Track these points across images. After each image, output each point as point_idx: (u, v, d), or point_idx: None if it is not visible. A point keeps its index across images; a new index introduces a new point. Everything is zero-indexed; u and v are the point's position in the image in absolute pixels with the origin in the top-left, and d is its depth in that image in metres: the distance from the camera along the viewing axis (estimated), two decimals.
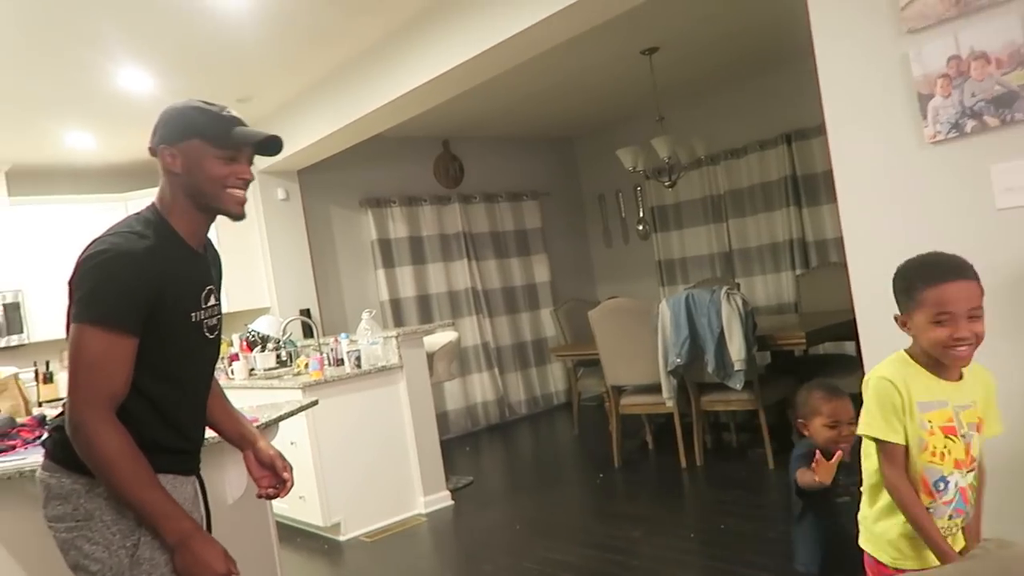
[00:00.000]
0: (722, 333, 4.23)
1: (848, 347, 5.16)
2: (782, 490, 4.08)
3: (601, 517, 4.10)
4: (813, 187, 6.11)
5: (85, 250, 1.51)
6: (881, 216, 2.35)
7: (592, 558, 3.43)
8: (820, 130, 5.55)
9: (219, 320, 1.74)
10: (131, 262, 1.48)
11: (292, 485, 1.85)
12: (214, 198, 1.59)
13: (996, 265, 2.13)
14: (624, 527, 3.75)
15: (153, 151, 1.60)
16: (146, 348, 1.52)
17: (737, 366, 4.19)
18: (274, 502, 3.43)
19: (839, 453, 1.94)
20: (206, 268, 1.71)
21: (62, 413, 1.55)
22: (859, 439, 1.82)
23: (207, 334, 1.68)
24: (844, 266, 2.50)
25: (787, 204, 6.23)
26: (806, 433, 2.09)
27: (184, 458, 1.69)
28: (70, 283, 1.51)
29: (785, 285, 6.33)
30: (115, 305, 1.47)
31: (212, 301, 1.70)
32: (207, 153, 1.56)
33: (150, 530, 1.52)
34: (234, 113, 1.61)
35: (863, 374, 2.48)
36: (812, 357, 5.13)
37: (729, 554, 3.24)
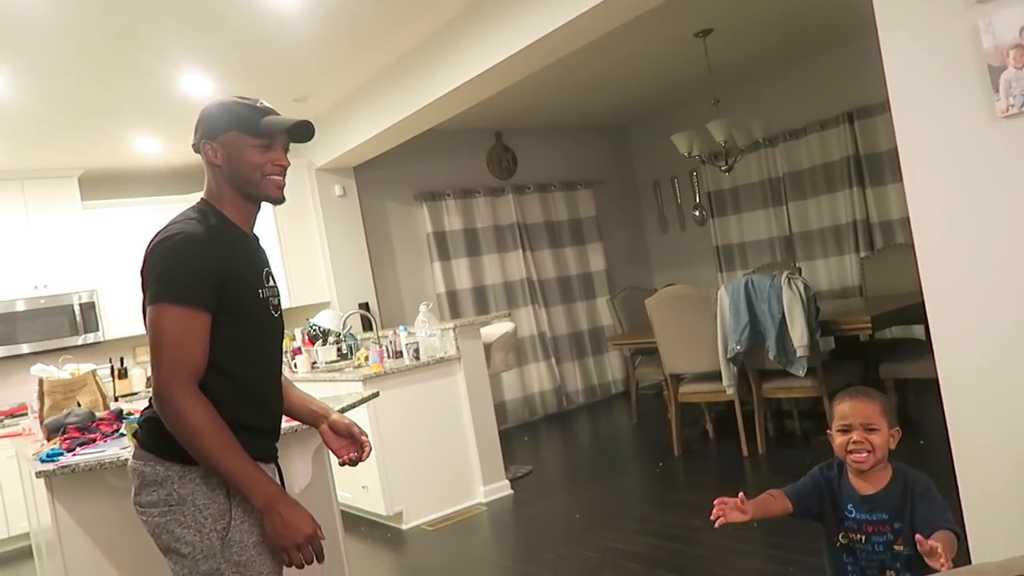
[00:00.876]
0: (783, 319, 4.14)
1: (917, 331, 5.00)
2: None
3: (661, 506, 4.07)
4: (877, 166, 5.93)
5: (153, 239, 1.60)
6: (950, 194, 2.26)
7: (654, 547, 3.42)
8: (884, 107, 5.40)
9: (279, 301, 1.82)
10: (199, 243, 1.58)
11: (370, 448, 1.92)
12: (255, 185, 1.67)
13: None
14: (685, 516, 3.72)
15: (196, 148, 1.71)
16: (223, 325, 1.59)
17: (799, 352, 4.10)
18: (339, 491, 3.51)
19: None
20: (262, 251, 1.80)
21: (150, 406, 1.63)
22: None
23: (272, 312, 1.75)
24: (911, 247, 2.42)
25: (850, 185, 6.06)
26: (831, 443, 1.84)
27: (267, 440, 1.75)
28: (142, 271, 1.60)
29: (849, 268, 6.16)
30: (190, 283, 1.55)
31: (271, 282, 1.78)
32: (244, 143, 1.65)
33: (239, 501, 1.60)
34: (267, 104, 1.71)
35: (932, 358, 2.41)
36: (879, 342, 4.99)
37: (792, 543, 3.18)
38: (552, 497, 4.49)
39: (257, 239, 1.80)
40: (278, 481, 1.79)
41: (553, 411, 6.94)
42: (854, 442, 1.73)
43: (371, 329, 5.41)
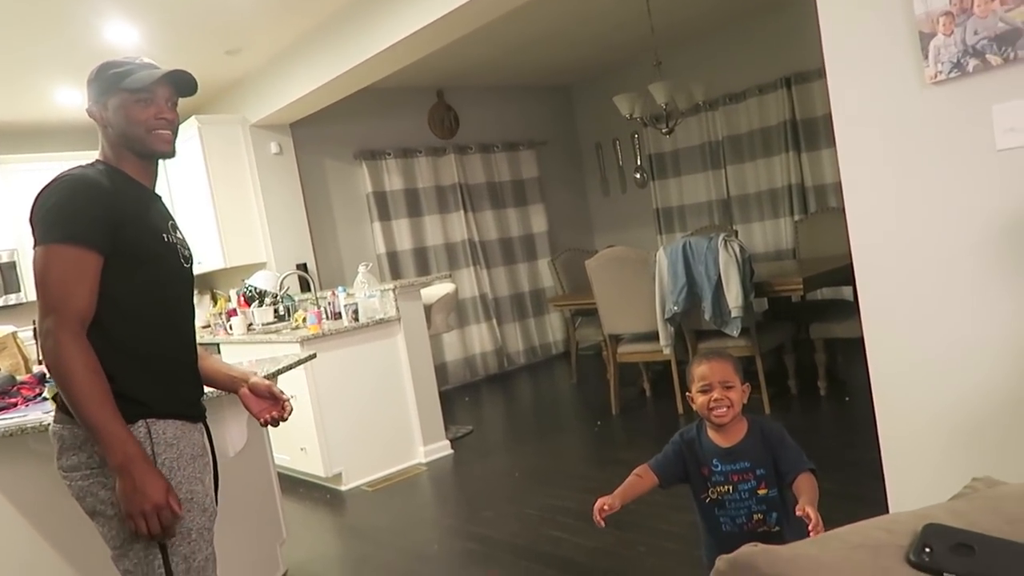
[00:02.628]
0: (719, 280, 4.22)
1: (846, 292, 5.17)
2: None
3: (600, 464, 4.15)
4: (813, 131, 6.05)
5: (41, 190, 1.57)
6: (880, 159, 2.32)
7: (591, 503, 3.46)
8: (821, 73, 5.47)
9: (191, 254, 1.79)
10: (90, 184, 1.57)
11: (291, 407, 1.92)
12: (142, 141, 1.65)
13: (995, 207, 2.12)
14: (623, 473, 3.76)
15: (90, 113, 1.70)
16: (127, 269, 1.57)
17: (734, 313, 4.20)
18: (276, 454, 3.48)
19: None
20: (166, 208, 1.77)
21: None
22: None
23: (183, 262, 1.73)
24: (843, 211, 2.48)
25: (786, 149, 6.17)
26: (692, 405, 1.95)
27: (189, 392, 1.73)
28: (30, 218, 1.56)
29: (783, 231, 6.31)
30: (79, 222, 1.52)
31: (180, 235, 1.76)
32: (126, 100, 1.64)
33: (163, 462, 1.58)
34: (147, 60, 1.71)
35: (859, 319, 2.49)
36: (809, 303, 5.14)
37: None
38: (492, 456, 4.54)
39: (160, 198, 1.77)
40: (206, 441, 1.77)
41: (494, 372, 6.98)
42: (715, 400, 1.84)
43: (309, 290, 5.31)
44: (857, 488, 3.08)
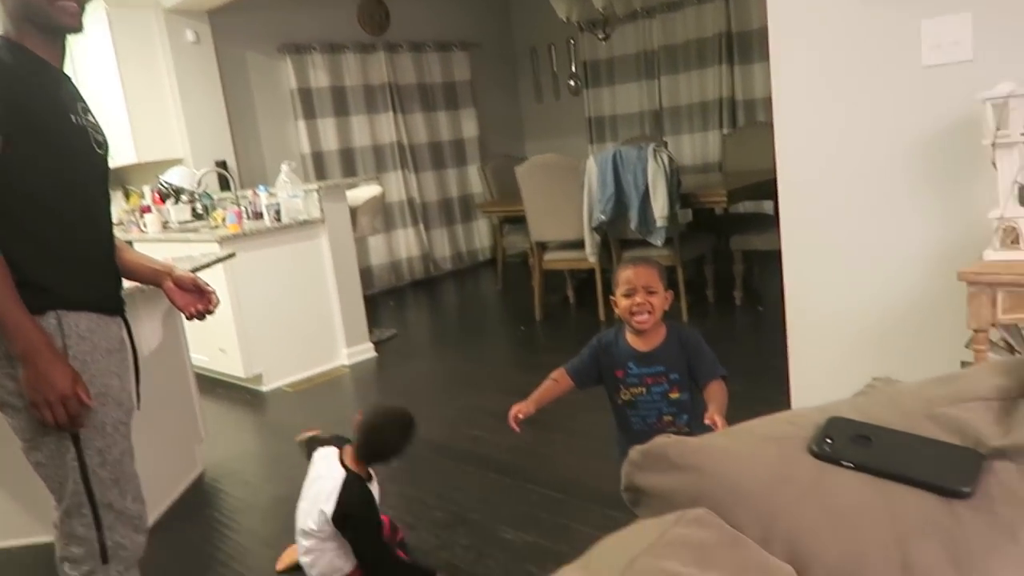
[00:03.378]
0: (647, 190, 4.25)
1: (767, 206, 5.30)
2: None
3: (522, 367, 4.23)
4: (747, 45, 6.03)
5: None
6: (812, 72, 2.33)
7: (511, 404, 3.56)
8: None
9: (104, 139, 1.68)
10: None
11: (218, 300, 1.89)
12: (44, 12, 1.52)
13: (918, 123, 2.17)
14: (543, 375, 3.86)
15: None
16: (34, 151, 1.47)
17: (659, 223, 4.26)
18: (194, 354, 3.40)
19: None
20: (76, 89, 1.65)
21: None
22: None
23: (96, 147, 1.62)
24: (770, 126, 2.50)
25: (720, 62, 6.15)
26: (615, 308, 1.94)
27: (106, 283, 1.67)
28: None
29: (712, 144, 6.37)
30: None
31: (92, 118, 1.64)
32: None
33: (74, 355, 1.53)
34: None
35: (778, 232, 2.56)
36: (731, 216, 5.25)
37: None
38: (416, 359, 4.57)
39: (68, 78, 1.63)
40: (126, 336, 1.71)
41: (420, 277, 6.95)
42: (637, 304, 1.85)
43: (229, 189, 5.10)
44: (764, 391, 3.23)
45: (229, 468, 3.25)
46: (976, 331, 1.87)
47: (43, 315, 1.50)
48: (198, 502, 2.99)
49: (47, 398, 1.45)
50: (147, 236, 4.64)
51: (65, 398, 1.46)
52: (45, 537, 2.66)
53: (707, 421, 1.75)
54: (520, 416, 1.93)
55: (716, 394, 1.84)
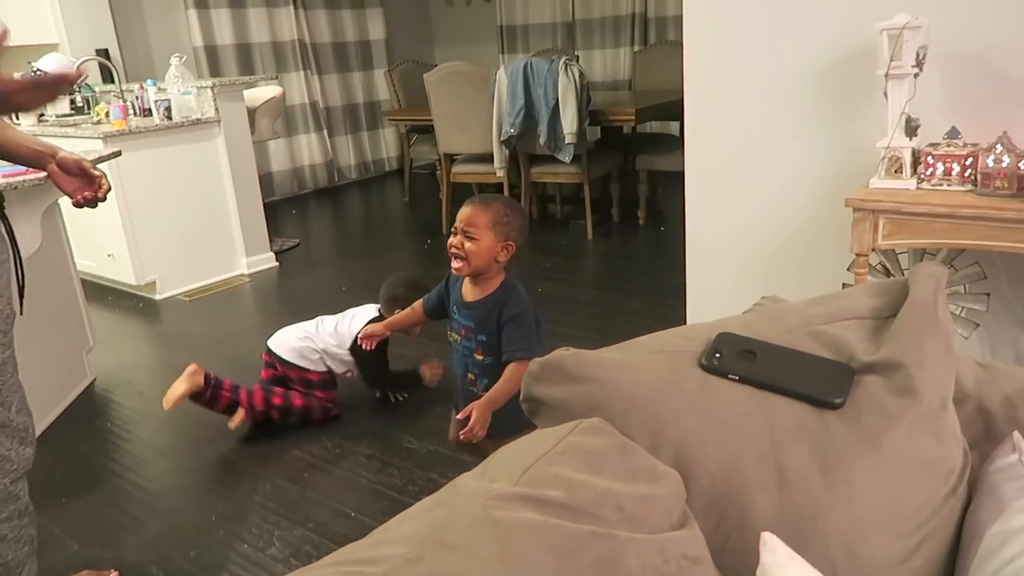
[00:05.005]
0: (557, 105, 4.22)
1: (673, 127, 5.37)
2: (597, 258, 4.38)
3: (427, 280, 4.20)
4: None
5: None
6: None
7: None
8: None
9: None
10: None
11: (109, 186, 1.70)
12: None
13: (818, 49, 2.22)
14: None
15: None
16: None
17: (568, 139, 4.25)
18: (80, 259, 3.22)
19: None
20: None
21: None
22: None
23: None
24: (680, 45, 2.50)
25: None
26: None
27: None
28: None
29: (623, 61, 6.35)
30: None
31: None
32: None
33: None
34: None
35: (683, 153, 2.61)
36: (639, 135, 5.30)
37: (543, 314, 3.44)
38: (319, 269, 4.48)
39: None
40: (5, 235, 1.58)
41: (324, 185, 6.74)
42: (453, 247, 1.70)
43: (112, 81, 4.74)
44: (662, 308, 3.37)
45: (122, 378, 3.15)
46: (858, 255, 1.99)
47: None
48: (89, 412, 2.89)
49: None
50: (19, 128, 4.27)
51: None
52: None
53: (459, 415, 1.66)
54: (375, 335, 1.99)
55: (502, 380, 1.68)
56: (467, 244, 1.68)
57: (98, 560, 2.00)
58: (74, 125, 4.17)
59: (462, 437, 1.65)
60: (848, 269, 2.20)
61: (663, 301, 3.44)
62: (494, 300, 1.74)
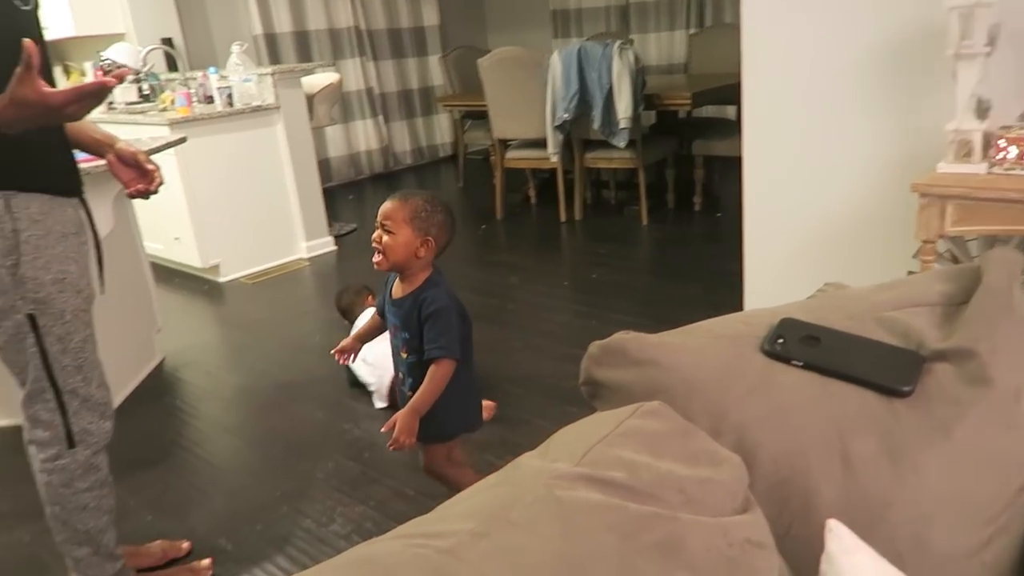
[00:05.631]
0: (611, 89, 4.19)
1: (729, 111, 5.27)
2: (652, 245, 4.35)
3: (481, 265, 4.26)
4: None
5: None
6: None
7: (470, 301, 3.56)
8: None
9: None
10: None
11: (161, 179, 1.74)
12: None
13: (884, 28, 2.16)
14: (502, 274, 3.93)
15: None
16: None
17: (622, 124, 4.22)
18: (149, 242, 3.34)
19: None
20: None
21: None
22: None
23: (19, 3, 1.46)
24: (737, 27, 2.46)
25: None
26: None
27: (51, 164, 1.56)
28: None
29: (678, 44, 6.25)
30: None
31: None
32: None
33: (29, 237, 1.46)
34: None
35: (740, 137, 2.57)
36: (694, 119, 5.23)
37: (598, 300, 3.48)
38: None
39: None
40: (83, 217, 1.65)
41: (380, 171, 6.82)
42: (373, 240, 1.68)
43: (176, 69, 4.87)
44: (717, 296, 3.33)
45: (189, 358, 3.26)
46: (924, 242, 1.93)
47: None
48: (158, 390, 3.00)
49: (38, 112, 1.27)
50: (91, 116, 4.43)
51: (53, 111, 1.27)
52: (4, 420, 2.67)
53: (383, 428, 1.64)
54: (344, 352, 1.89)
55: (425, 380, 1.66)
56: (385, 238, 1.66)
57: (170, 531, 2.09)
58: (141, 112, 4.31)
59: (390, 447, 1.64)
60: (913, 256, 2.14)
61: (719, 288, 3.39)
62: (414, 297, 1.70)
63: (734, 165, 3.32)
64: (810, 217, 2.46)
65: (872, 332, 0.91)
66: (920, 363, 0.86)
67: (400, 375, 1.79)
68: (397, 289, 1.75)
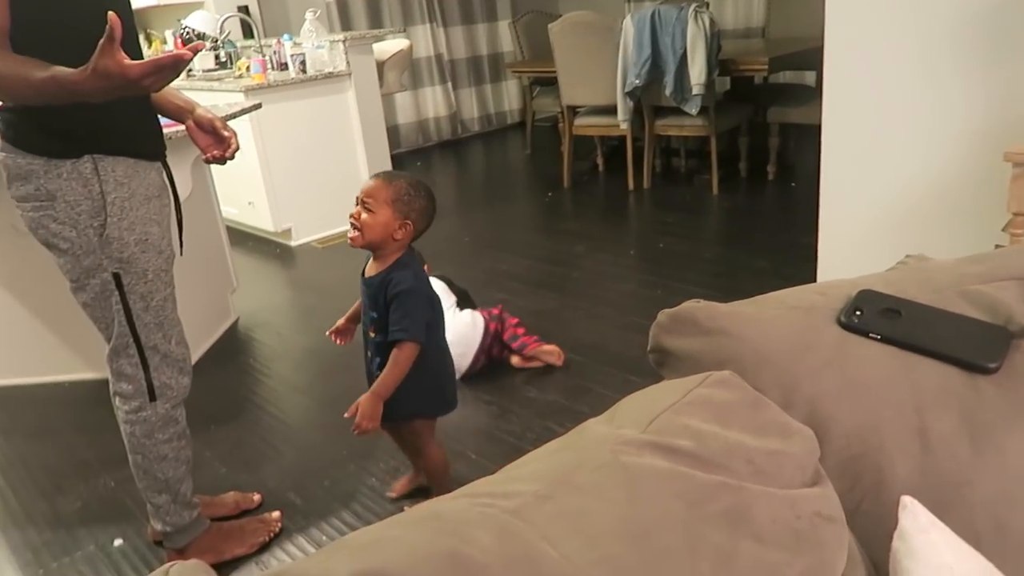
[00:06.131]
0: (684, 55, 4.08)
1: (808, 77, 5.08)
2: (722, 214, 4.25)
3: (547, 233, 4.24)
4: None
5: None
6: None
7: (536, 269, 3.61)
8: None
9: None
10: None
11: (237, 145, 1.78)
12: None
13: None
14: (569, 242, 3.91)
15: None
16: None
17: (695, 90, 4.11)
18: (224, 207, 3.44)
19: None
20: None
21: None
22: None
23: None
24: None
25: None
26: None
27: (136, 129, 1.62)
28: None
29: (756, 7, 6.02)
30: None
31: None
32: None
33: (115, 199, 1.52)
34: None
35: (819, 104, 2.47)
36: (770, 86, 5.06)
37: (664, 270, 3.44)
38: (442, 221, 4.54)
39: None
40: (165, 180, 1.72)
41: (448, 138, 6.84)
42: (351, 216, 1.69)
43: (252, 37, 4.96)
44: (789, 268, 3.24)
45: (262, 319, 3.36)
46: (1015, 214, 1.83)
47: (79, 159, 1.50)
48: (233, 349, 3.11)
49: (118, 84, 1.28)
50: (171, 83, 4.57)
51: (131, 84, 1.28)
52: (91, 374, 2.82)
53: (346, 414, 1.66)
54: (340, 333, 1.91)
55: (388, 363, 1.67)
56: (364, 216, 1.66)
57: (243, 483, 2.18)
58: (218, 79, 4.41)
59: (353, 431, 1.65)
60: (1003, 229, 2.03)
61: (791, 260, 3.30)
62: (383, 276, 1.70)
63: (811, 133, 3.20)
64: (892, 187, 2.36)
65: (957, 306, 0.87)
66: (1008, 339, 0.82)
67: (368, 353, 1.80)
68: (370, 267, 1.76)
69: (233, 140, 1.77)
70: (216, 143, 1.76)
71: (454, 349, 2.40)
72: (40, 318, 2.81)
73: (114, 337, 1.64)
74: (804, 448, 0.74)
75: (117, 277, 1.59)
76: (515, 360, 2.68)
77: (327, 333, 1.94)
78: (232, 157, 1.78)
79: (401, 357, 1.67)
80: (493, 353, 2.67)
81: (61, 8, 1.45)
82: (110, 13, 1.19)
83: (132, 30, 1.62)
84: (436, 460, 1.90)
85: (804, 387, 0.81)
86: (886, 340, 0.83)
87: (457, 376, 2.59)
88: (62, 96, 1.32)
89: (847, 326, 0.85)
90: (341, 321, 1.93)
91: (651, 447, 0.69)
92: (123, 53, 1.25)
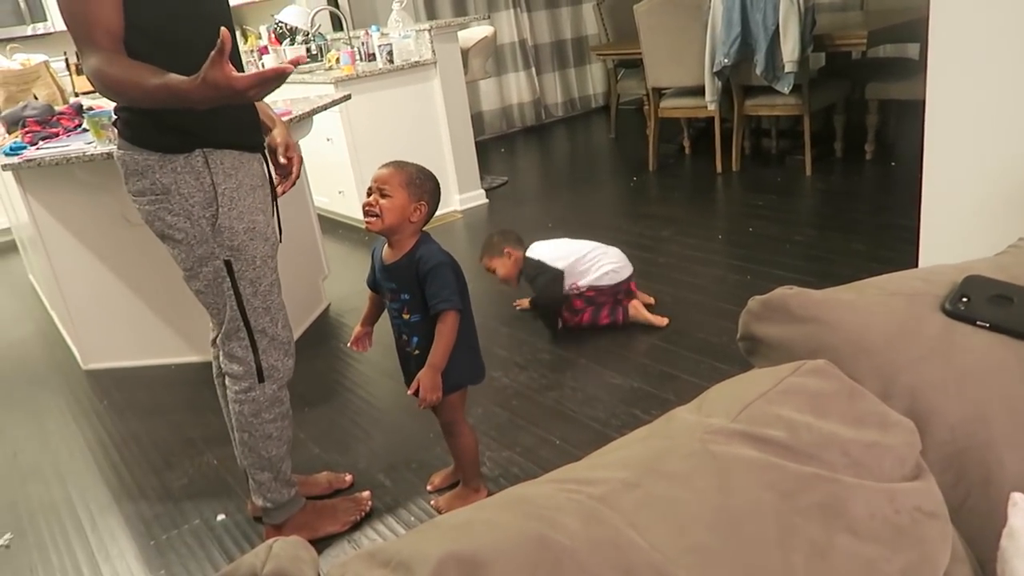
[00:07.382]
0: (776, 31, 3.94)
1: (911, 50, 4.82)
2: (815, 196, 4.10)
3: (633, 217, 4.19)
4: None
5: None
6: None
7: (625, 254, 3.57)
8: None
9: None
10: None
11: (296, 175, 1.84)
12: None
13: None
14: (655, 227, 3.85)
15: None
16: None
17: (788, 68, 3.96)
18: (316, 196, 3.54)
19: None
20: None
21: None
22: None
23: None
24: None
25: None
26: None
27: (240, 123, 1.68)
28: None
29: None
30: None
31: None
32: None
33: (225, 190, 1.60)
34: None
35: (924, 79, 2.34)
36: (869, 60, 4.82)
37: (754, 254, 3.34)
38: (526, 206, 4.59)
39: None
40: (265, 171, 1.79)
41: (531, 123, 6.84)
42: (368, 204, 1.73)
43: (341, 29, 5.08)
44: (888, 251, 3.10)
45: (352, 304, 3.46)
46: None
47: (191, 153, 1.58)
48: (325, 333, 3.22)
49: (225, 95, 1.34)
50: None
51: (236, 93, 1.34)
52: (195, 357, 2.97)
53: (409, 390, 1.76)
54: (359, 342, 2.01)
55: (436, 335, 1.76)
56: (382, 201, 1.72)
57: (335, 464, 2.26)
58: (309, 72, 4.54)
59: (420, 407, 1.77)
60: None
61: (890, 243, 3.16)
62: (410, 258, 1.77)
63: (913, 109, 3.04)
64: (1002, 165, 2.22)
65: None
66: None
67: (404, 336, 1.86)
68: (388, 255, 1.81)
69: (294, 169, 1.83)
70: (278, 168, 1.82)
71: (621, 263, 2.89)
72: (148, 304, 2.98)
73: (226, 321, 1.73)
74: (904, 440, 0.71)
75: (228, 264, 1.67)
76: (633, 305, 2.85)
77: (347, 345, 2.04)
78: (289, 188, 1.84)
79: (446, 327, 1.76)
80: (620, 299, 2.86)
81: (176, 19, 1.53)
82: (222, 29, 1.26)
83: (234, 40, 1.68)
84: (469, 438, 1.98)
85: (905, 377, 0.77)
86: (995, 328, 0.78)
87: (620, 278, 2.86)
88: (172, 102, 1.40)
89: (952, 314, 0.80)
90: (357, 328, 2.02)
91: (741, 436, 0.68)
92: (231, 65, 1.31)
